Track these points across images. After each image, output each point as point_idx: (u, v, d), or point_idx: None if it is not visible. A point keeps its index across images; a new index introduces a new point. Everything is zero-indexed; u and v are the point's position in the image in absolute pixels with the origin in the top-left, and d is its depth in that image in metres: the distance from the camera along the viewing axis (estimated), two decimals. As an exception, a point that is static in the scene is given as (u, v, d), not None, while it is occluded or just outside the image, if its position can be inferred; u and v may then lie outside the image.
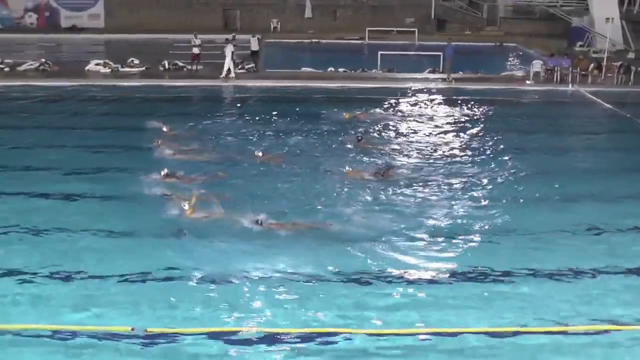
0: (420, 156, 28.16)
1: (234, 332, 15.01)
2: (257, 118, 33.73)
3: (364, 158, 27.48)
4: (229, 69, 43.10)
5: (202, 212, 21.08)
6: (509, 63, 52.06)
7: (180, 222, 20.58)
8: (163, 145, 27.89)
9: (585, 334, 15.17)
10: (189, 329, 15.07)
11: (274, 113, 34.50)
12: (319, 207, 22.21)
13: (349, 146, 29.06)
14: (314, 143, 29.68)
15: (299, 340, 14.79)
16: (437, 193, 23.76)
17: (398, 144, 29.94)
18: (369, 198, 23.07)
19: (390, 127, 32.53)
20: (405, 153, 28.49)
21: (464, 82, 42.56)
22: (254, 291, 16.74)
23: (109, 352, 14.35)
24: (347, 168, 25.40)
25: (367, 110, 35.27)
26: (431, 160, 27.54)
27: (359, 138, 29.57)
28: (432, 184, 24.60)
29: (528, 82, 42.92)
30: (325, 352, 14.46)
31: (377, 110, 35.69)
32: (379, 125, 32.73)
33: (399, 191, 23.67)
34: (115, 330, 14.96)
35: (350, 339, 14.81)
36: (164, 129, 30.40)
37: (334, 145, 29.29)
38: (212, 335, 14.90)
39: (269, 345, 14.62)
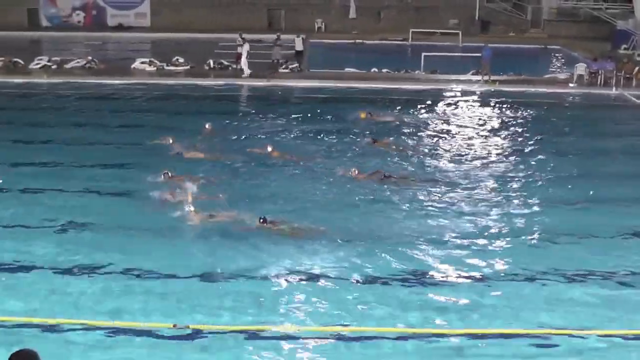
0: (446, 158, 28.30)
1: (271, 330, 15.23)
2: (290, 117, 34.15)
3: (376, 159, 27.56)
4: (244, 68, 43.77)
5: (206, 212, 21.13)
6: (552, 65, 51.83)
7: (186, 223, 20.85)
8: (177, 144, 28.07)
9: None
10: (230, 326, 15.27)
11: (309, 113, 34.86)
12: (319, 208, 22.36)
13: (363, 147, 29.26)
14: (333, 143, 29.90)
15: (328, 339, 15.04)
16: (463, 196, 23.80)
17: (420, 145, 30.06)
18: (371, 200, 23.27)
19: (418, 128, 32.74)
20: (428, 154, 28.63)
21: (506, 84, 42.42)
22: (288, 290, 17.02)
23: (151, 348, 14.59)
24: (353, 170, 25.27)
25: (398, 110, 35.66)
26: (458, 162, 27.70)
27: (374, 139, 29.70)
28: (454, 187, 24.68)
29: (571, 85, 42.74)
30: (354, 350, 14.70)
31: (399, 109, 35.97)
32: (405, 126, 33.02)
33: (410, 194, 23.73)
34: (158, 326, 15.21)
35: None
36: (207, 126, 30.81)
37: (351, 146, 29.41)
38: (252, 332, 15.12)
39: (307, 343, 14.86)
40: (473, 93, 40.83)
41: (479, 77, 43.65)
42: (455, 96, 39.92)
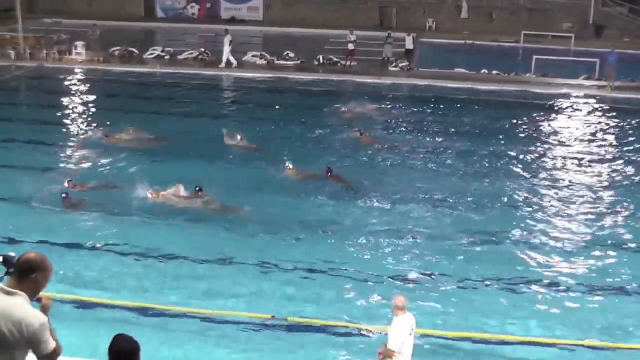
0: (544, 161, 28.08)
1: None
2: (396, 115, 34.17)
3: (349, 156, 27.57)
4: (228, 59, 44.24)
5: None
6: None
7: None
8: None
9: None
10: (329, 321, 15.53)
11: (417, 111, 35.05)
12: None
13: (348, 141, 29.26)
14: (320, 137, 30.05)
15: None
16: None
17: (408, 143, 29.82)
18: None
19: (526, 132, 32.43)
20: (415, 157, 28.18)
21: (620, 90, 41.33)
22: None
23: (249, 338, 14.94)
24: (288, 165, 25.13)
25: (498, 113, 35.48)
26: (558, 165, 27.53)
27: (361, 132, 29.59)
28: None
29: (689, 93, 41.52)
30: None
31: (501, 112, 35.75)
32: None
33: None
34: (257, 317, 15.54)
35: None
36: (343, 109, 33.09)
37: (336, 139, 29.55)
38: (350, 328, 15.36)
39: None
40: (583, 97, 39.92)
41: (593, 82, 42.74)
42: (563, 100, 39.15)
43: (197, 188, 21.82)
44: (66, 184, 22.43)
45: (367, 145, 28.70)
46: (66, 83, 39.64)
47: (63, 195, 21.60)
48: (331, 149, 28.23)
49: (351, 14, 62.19)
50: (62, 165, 25.68)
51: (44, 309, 7.32)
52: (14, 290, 7.04)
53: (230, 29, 60.52)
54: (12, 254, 7.49)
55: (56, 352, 7.17)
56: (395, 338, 11.83)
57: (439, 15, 63.89)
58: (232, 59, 44.30)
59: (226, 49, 44.35)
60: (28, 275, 7.11)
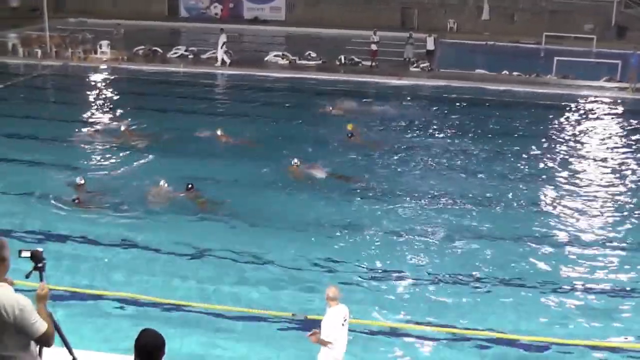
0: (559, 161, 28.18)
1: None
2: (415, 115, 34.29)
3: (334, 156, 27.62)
4: (222, 59, 44.57)
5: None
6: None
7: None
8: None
9: None
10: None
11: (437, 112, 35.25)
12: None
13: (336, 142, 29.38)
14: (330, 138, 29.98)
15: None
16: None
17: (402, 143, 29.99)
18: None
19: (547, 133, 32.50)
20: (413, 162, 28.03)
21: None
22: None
23: (270, 335, 15.20)
24: (296, 162, 25.39)
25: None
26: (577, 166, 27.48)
27: (349, 135, 29.67)
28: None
29: None
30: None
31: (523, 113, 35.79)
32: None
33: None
34: (278, 314, 15.78)
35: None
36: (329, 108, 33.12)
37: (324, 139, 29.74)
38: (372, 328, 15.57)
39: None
40: (604, 99, 39.95)
41: (614, 84, 42.64)
42: (585, 102, 39.20)
43: (189, 185, 22.34)
44: (78, 181, 22.65)
45: (374, 147, 28.88)
46: (90, 82, 40.07)
47: (75, 199, 21.85)
48: (340, 149, 28.49)
49: (373, 14, 62.24)
50: (79, 162, 25.93)
51: (42, 299, 7.78)
52: None
53: (253, 28, 61.43)
54: (39, 249, 7.90)
55: (47, 334, 7.56)
56: (330, 329, 11.99)
57: (460, 16, 63.93)
58: (219, 58, 44.84)
59: (219, 48, 44.79)
60: (3, 261, 7.56)
